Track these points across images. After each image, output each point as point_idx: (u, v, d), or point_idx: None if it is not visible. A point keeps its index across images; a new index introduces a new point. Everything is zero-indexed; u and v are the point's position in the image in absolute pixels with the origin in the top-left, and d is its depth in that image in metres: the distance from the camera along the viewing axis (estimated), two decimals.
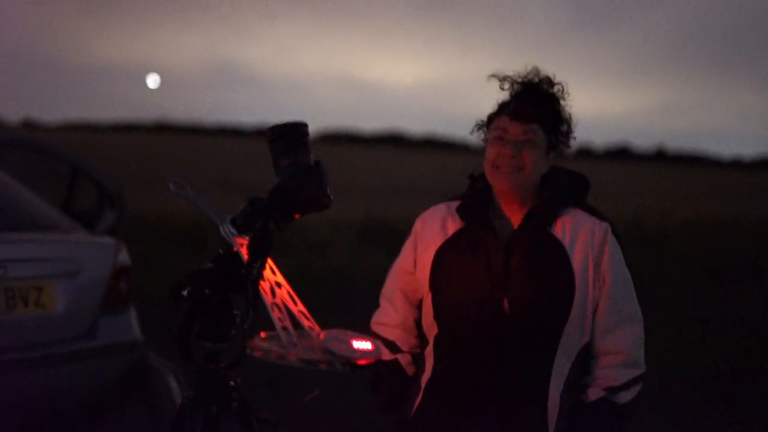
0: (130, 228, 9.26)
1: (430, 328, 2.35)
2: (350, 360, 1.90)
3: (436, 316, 2.31)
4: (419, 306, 2.40)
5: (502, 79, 2.32)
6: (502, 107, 2.30)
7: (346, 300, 7.98)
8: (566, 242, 2.25)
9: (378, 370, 2.41)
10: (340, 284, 9.20)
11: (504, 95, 2.33)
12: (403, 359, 2.41)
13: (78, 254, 4.12)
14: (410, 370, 2.41)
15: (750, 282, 10.60)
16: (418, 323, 2.41)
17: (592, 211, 2.33)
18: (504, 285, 2.24)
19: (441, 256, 2.32)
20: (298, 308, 2.01)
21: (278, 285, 2.02)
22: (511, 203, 2.30)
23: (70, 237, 4.30)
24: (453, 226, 2.34)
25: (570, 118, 2.33)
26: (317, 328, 1.98)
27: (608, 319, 2.26)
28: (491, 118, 2.33)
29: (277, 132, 2.05)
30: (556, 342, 2.23)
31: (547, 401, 2.24)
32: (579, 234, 2.26)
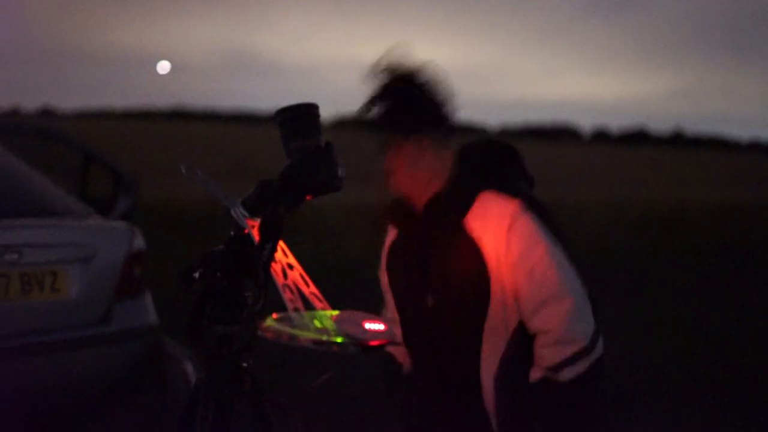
0: (146, 214, 9.30)
1: None
2: (363, 341, 1.90)
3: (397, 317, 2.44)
4: None
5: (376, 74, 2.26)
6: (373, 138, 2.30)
7: (360, 286, 7.98)
8: (477, 233, 2.23)
9: (384, 365, 2.53)
10: (354, 270, 9.20)
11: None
12: (398, 351, 2.50)
13: (93, 239, 4.13)
14: (405, 362, 2.51)
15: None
16: None
17: (506, 190, 2.26)
18: (426, 285, 2.31)
19: (387, 261, 2.46)
20: (311, 290, 2.00)
21: (290, 267, 2.01)
22: (426, 205, 2.30)
23: (85, 222, 4.30)
24: (393, 232, 2.47)
25: (437, 93, 2.24)
26: (330, 310, 1.98)
27: (531, 301, 2.21)
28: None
29: (286, 114, 2.04)
30: (479, 333, 2.24)
31: (481, 389, 2.25)
32: (488, 221, 2.22)
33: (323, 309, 1.97)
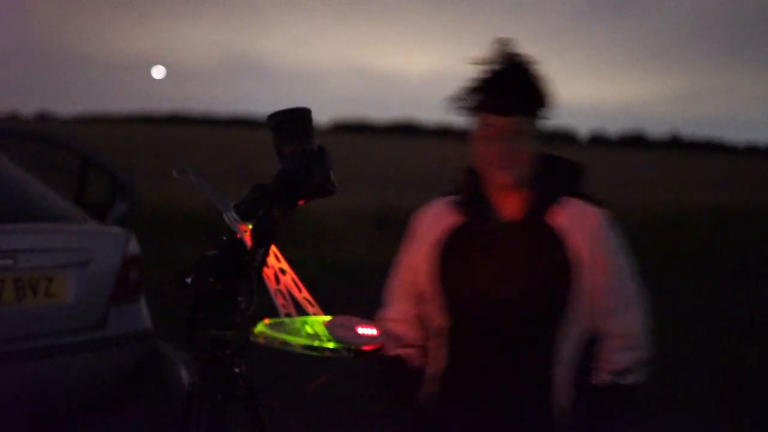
0: (145, 219, 9.29)
1: (439, 320, 2.37)
2: (355, 346, 1.89)
3: (446, 308, 2.34)
4: (423, 300, 2.42)
5: (481, 63, 2.28)
6: (485, 101, 2.26)
7: (359, 289, 7.98)
8: (563, 231, 2.28)
9: (385, 366, 2.44)
10: (353, 273, 9.20)
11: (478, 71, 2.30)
12: (408, 353, 2.43)
13: (88, 244, 4.13)
14: (415, 362, 2.43)
15: (766, 271, 10.51)
16: (421, 317, 2.44)
17: (588, 199, 2.35)
18: (504, 276, 2.27)
19: (441, 251, 2.35)
20: (303, 295, 2.00)
21: (282, 272, 2.01)
22: (506, 194, 2.32)
23: (81, 227, 4.30)
24: (450, 220, 2.37)
25: (547, 90, 2.29)
26: (322, 315, 1.97)
27: (610, 305, 2.29)
28: (474, 108, 2.29)
29: (279, 118, 2.04)
30: (556, 329, 2.26)
31: (551, 387, 2.27)
32: (575, 222, 2.28)
33: (315, 314, 1.96)
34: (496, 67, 2.26)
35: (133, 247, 4.30)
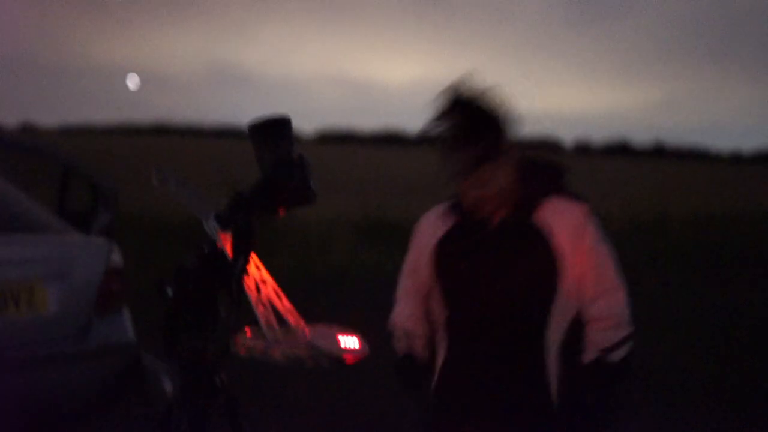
0: (129, 229, 9.26)
1: (441, 315, 2.58)
2: (336, 356, 1.88)
3: (445, 304, 2.55)
4: (428, 297, 2.62)
5: (439, 114, 2.43)
6: (441, 138, 2.44)
7: (344, 297, 7.98)
8: (547, 228, 2.47)
9: (397, 357, 2.64)
10: (338, 282, 9.18)
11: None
12: (417, 344, 2.63)
13: (70, 255, 4.10)
14: (422, 354, 2.63)
15: (751, 277, 10.56)
16: (428, 312, 2.63)
17: (571, 196, 2.54)
18: (493, 273, 2.47)
19: (441, 250, 2.56)
20: (284, 305, 1.99)
21: (263, 281, 2.00)
22: (491, 205, 2.50)
23: (63, 238, 4.28)
24: (449, 222, 2.58)
25: (503, 115, 2.45)
26: (303, 324, 1.97)
27: (594, 290, 2.49)
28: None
29: (259, 127, 2.04)
30: (543, 319, 2.46)
31: (545, 369, 2.46)
32: (558, 219, 2.48)
33: (296, 324, 1.96)
34: (447, 104, 2.42)
35: (116, 257, 4.28)
